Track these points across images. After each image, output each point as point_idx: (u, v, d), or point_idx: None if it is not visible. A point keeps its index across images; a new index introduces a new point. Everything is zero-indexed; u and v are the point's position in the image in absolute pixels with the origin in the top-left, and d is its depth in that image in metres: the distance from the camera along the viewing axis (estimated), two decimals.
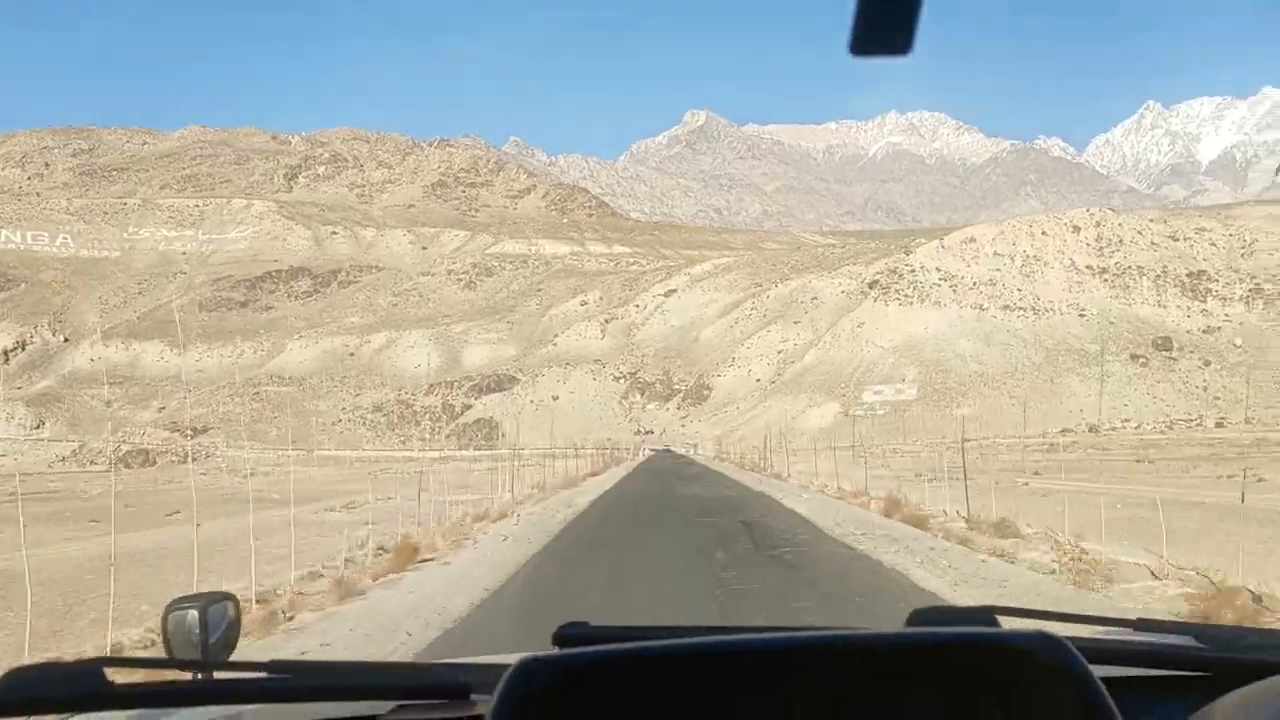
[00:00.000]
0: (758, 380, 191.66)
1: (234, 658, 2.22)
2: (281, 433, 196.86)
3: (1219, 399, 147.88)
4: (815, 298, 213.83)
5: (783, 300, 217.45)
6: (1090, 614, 1.92)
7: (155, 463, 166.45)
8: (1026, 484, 38.37)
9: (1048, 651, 1.20)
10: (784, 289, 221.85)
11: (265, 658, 1.70)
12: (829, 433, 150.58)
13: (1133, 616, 1.99)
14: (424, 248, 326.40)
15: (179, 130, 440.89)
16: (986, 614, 1.57)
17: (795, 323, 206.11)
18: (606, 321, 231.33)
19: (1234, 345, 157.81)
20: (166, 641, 2.13)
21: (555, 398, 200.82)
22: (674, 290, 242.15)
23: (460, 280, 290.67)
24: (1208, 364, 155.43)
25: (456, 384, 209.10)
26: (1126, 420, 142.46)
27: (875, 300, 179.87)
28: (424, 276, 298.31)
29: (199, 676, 1.92)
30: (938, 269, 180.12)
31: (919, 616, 1.62)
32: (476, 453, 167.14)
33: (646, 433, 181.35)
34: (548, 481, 39.27)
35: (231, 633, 2.21)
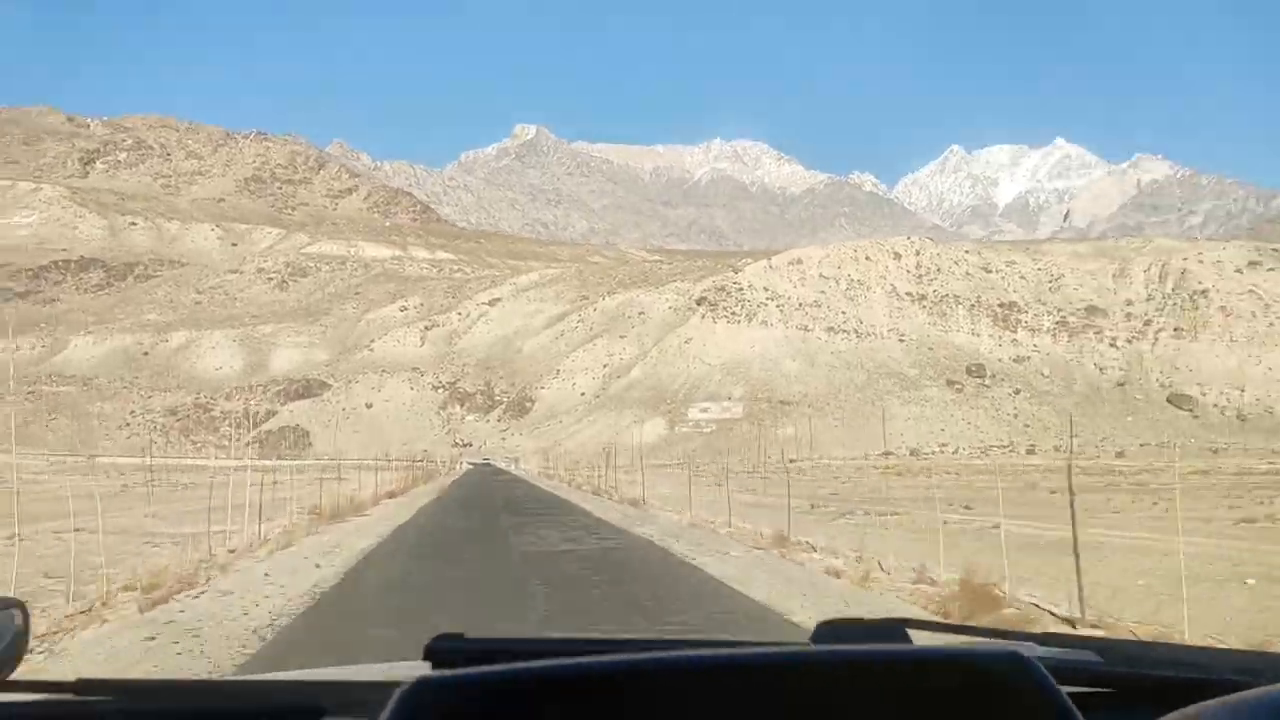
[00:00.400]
0: (582, 394, 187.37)
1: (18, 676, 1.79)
2: (59, 436, 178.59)
3: (1028, 426, 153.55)
4: (643, 313, 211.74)
5: (609, 314, 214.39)
6: (994, 628, 1.87)
7: None
8: (966, 524, 33.47)
9: (1019, 672, 1.12)
10: (611, 302, 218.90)
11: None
12: (656, 449, 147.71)
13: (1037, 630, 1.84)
14: (234, 244, 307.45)
15: None
16: (898, 627, 1.46)
17: (622, 337, 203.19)
18: (427, 328, 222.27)
19: (1041, 374, 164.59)
20: None
21: (369, 406, 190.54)
22: (498, 299, 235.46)
23: (271, 280, 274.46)
24: (1018, 392, 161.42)
25: (262, 388, 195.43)
26: (944, 445, 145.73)
27: (703, 317, 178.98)
28: (232, 274, 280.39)
29: None
30: (765, 288, 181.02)
31: (827, 631, 1.48)
32: (279, 462, 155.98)
33: (465, 445, 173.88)
34: (326, 507, 28.32)
35: (18, 646, 1.87)
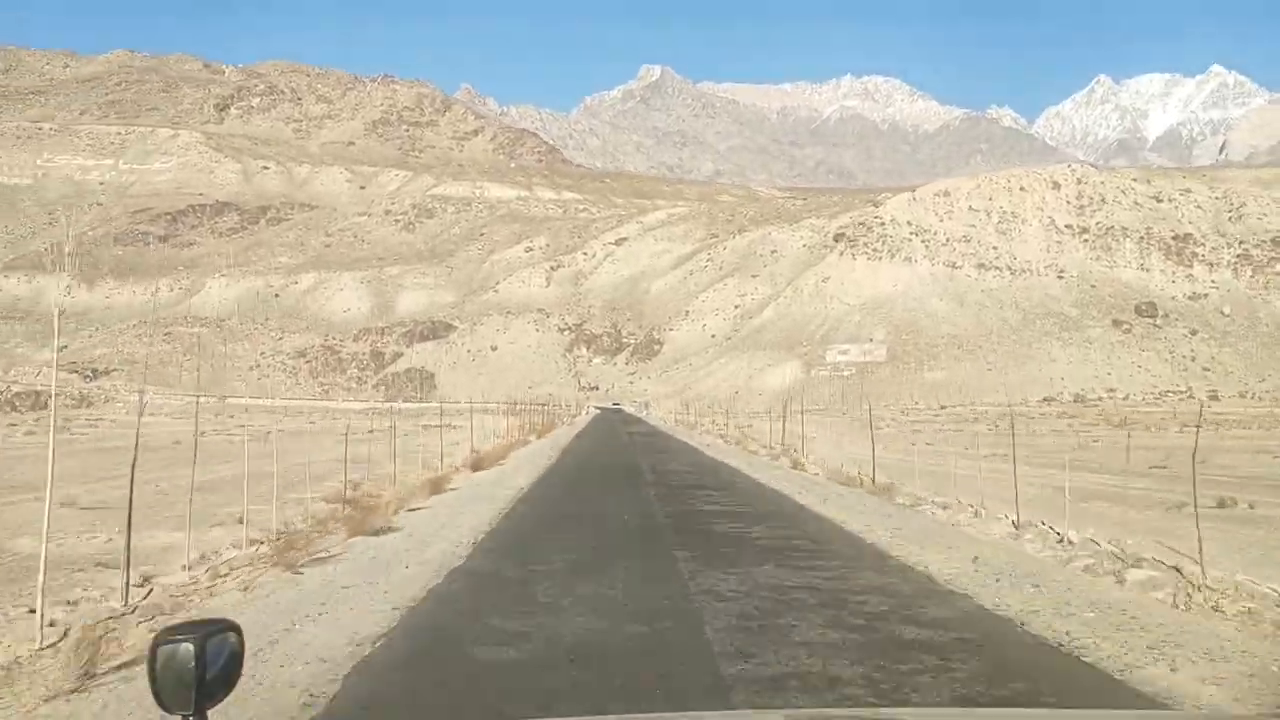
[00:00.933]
0: (712, 336, 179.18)
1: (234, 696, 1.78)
2: (192, 377, 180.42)
3: (1207, 370, 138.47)
4: (775, 251, 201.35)
5: (740, 252, 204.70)
6: None
7: (46, 405, 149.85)
8: None
9: None
10: (742, 241, 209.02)
11: None
12: (790, 393, 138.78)
13: None
14: (362, 187, 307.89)
15: (104, 55, 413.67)
16: None
17: (753, 276, 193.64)
18: (552, 269, 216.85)
19: (1221, 314, 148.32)
20: (153, 681, 1.84)
21: (494, 348, 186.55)
22: (625, 239, 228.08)
23: (398, 222, 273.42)
24: (1194, 332, 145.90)
25: (388, 330, 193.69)
26: (1111, 390, 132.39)
27: (841, 254, 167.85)
28: (360, 217, 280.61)
29: None
30: (909, 223, 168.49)
31: None
32: (404, 405, 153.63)
33: (592, 388, 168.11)
34: (455, 458, 22.72)
35: (234, 667, 1.92)
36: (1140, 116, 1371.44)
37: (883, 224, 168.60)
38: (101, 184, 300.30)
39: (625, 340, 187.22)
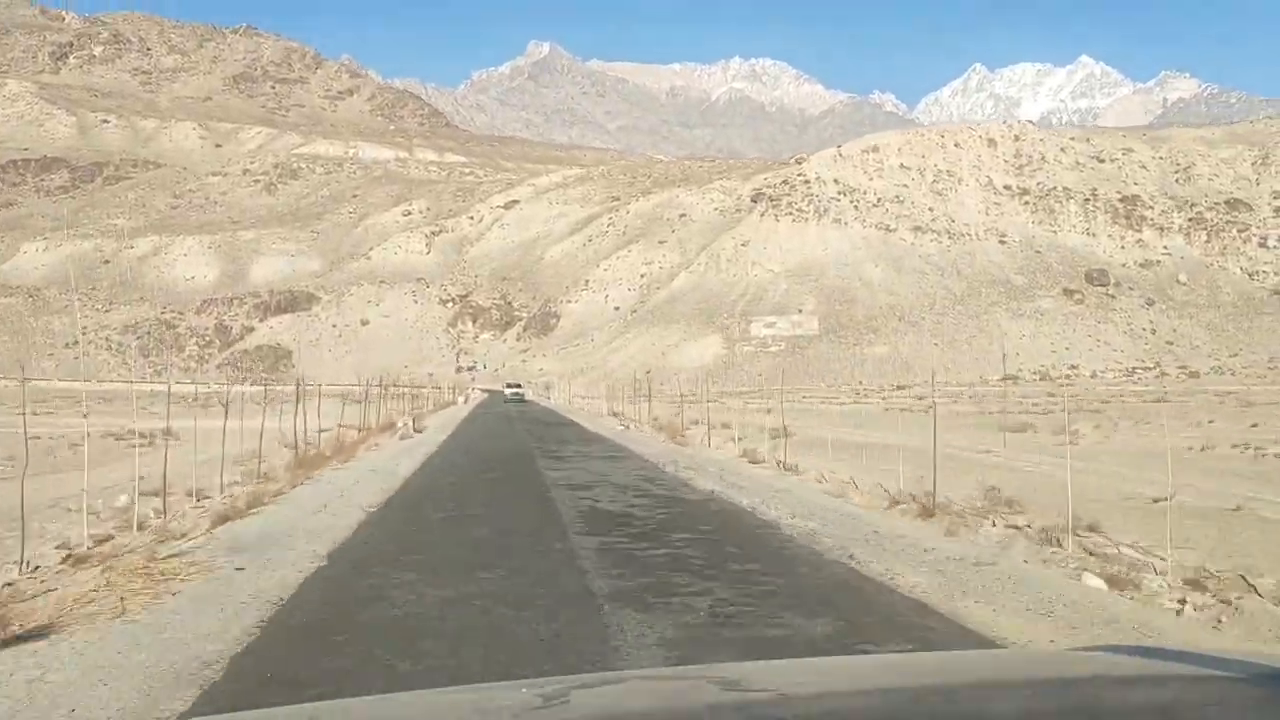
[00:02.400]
0: (616, 308, 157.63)
1: None
2: None
3: (1171, 343, 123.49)
4: (684, 215, 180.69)
5: (645, 217, 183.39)
6: None
7: None
8: None
9: None
10: (646, 204, 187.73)
11: None
12: (712, 371, 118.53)
13: None
14: (217, 145, 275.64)
15: None
16: None
17: (661, 242, 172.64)
18: (433, 234, 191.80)
19: (1179, 282, 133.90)
20: None
21: (365, 322, 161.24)
22: (516, 201, 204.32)
23: (258, 182, 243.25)
24: (1151, 303, 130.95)
25: (238, 302, 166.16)
26: (1074, 366, 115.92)
27: (762, 215, 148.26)
28: (214, 176, 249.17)
29: None
30: (835, 181, 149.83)
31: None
32: (251, 388, 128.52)
33: (469, 368, 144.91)
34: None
35: None
36: (1013, 105, 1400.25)
37: (806, 182, 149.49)
38: None
39: (517, 313, 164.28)
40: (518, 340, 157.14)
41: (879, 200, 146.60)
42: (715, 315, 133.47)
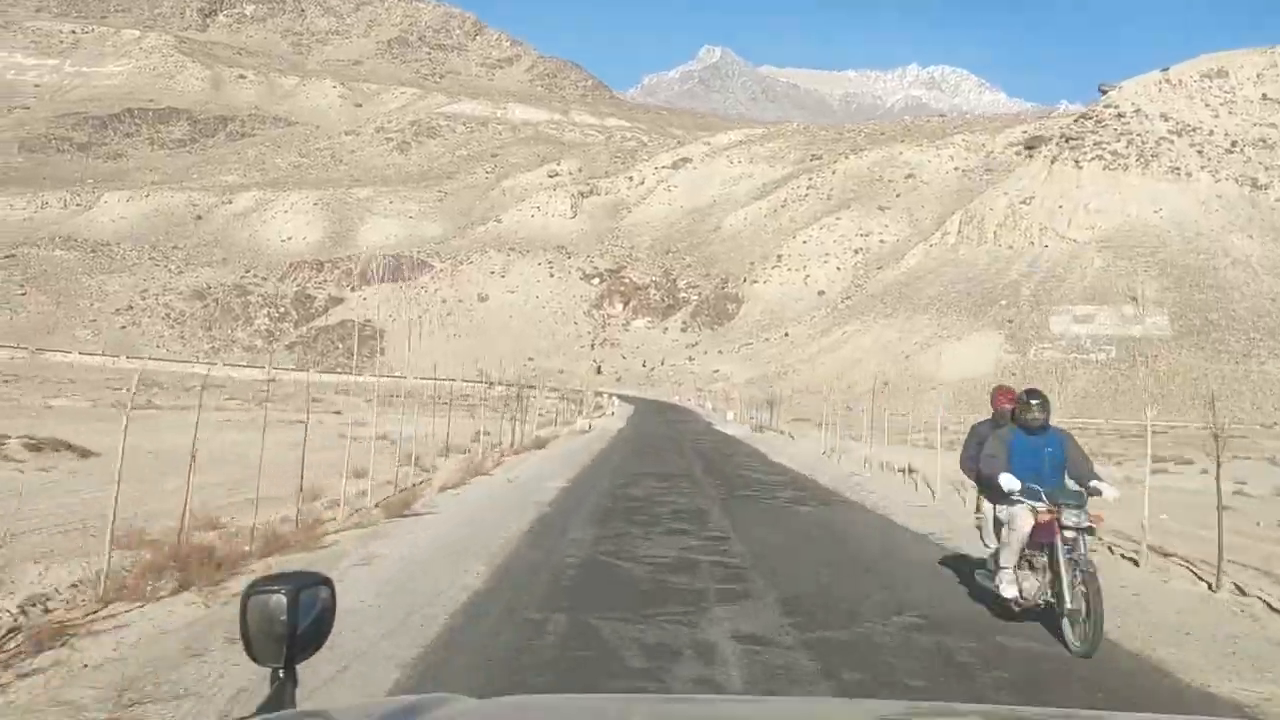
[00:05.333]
0: (821, 292, 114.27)
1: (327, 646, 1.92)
2: (20, 318, 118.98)
3: None
4: (912, 175, 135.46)
5: (858, 178, 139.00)
6: None
7: None
8: None
9: None
10: (858, 163, 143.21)
11: None
12: (989, 382, 72.90)
13: None
14: (358, 104, 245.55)
15: None
16: None
17: (882, 209, 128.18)
18: (582, 195, 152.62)
19: None
20: (245, 632, 1.78)
21: (483, 298, 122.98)
22: (686, 160, 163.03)
23: (390, 140, 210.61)
24: None
25: (332, 266, 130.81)
26: None
27: (1053, 162, 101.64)
28: (347, 135, 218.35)
29: (280, 676, 1.75)
30: (1164, 117, 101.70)
31: None
32: (322, 377, 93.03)
33: (596, 370, 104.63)
34: None
35: (325, 622, 1.86)
36: None
37: (1122, 117, 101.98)
38: (37, 85, 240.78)
39: (683, 295, 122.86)
40: (683, 331, 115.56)
41: (1235, 144, 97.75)
42: (988, 303, 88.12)
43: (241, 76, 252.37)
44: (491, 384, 67.84)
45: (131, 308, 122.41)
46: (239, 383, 74.09)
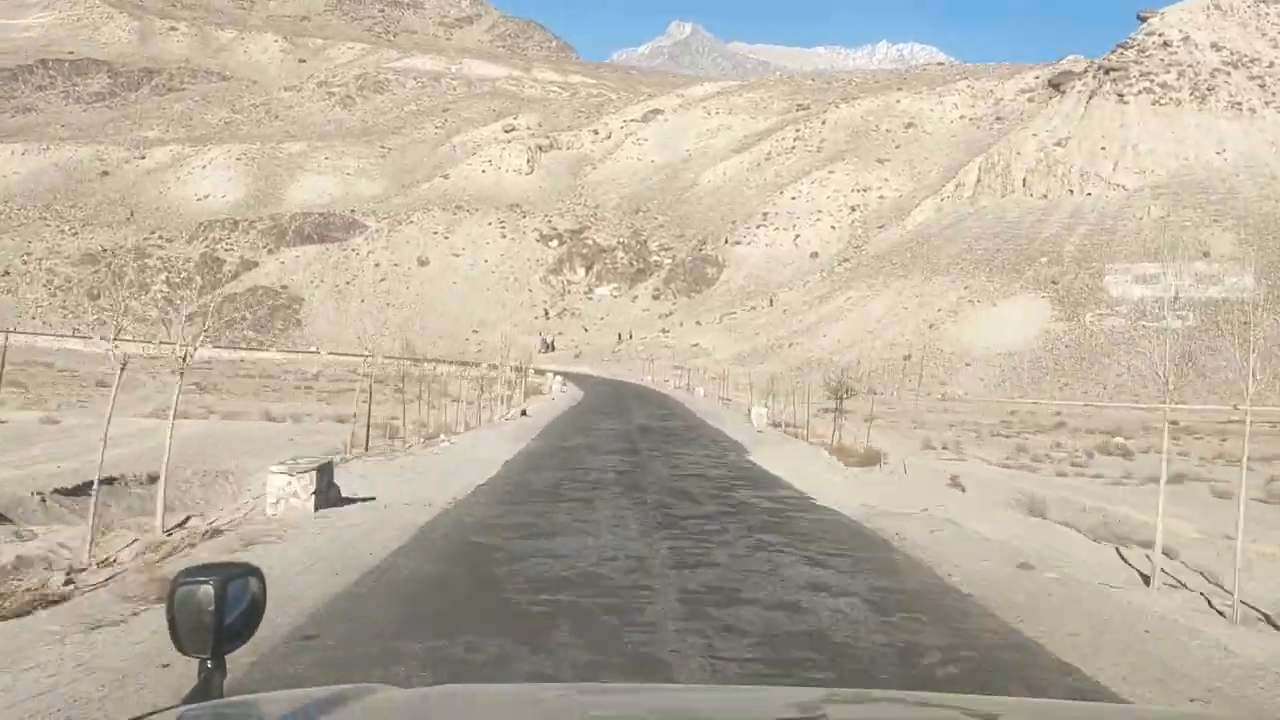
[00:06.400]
0: (814, 254, 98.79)
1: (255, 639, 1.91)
2: None
3: None
4: (912, 124, 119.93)
5: (850, 128, 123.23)
6: None
7: None
8: None
9: None
10: (850, 112, 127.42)
11: None
12: (1037, 357, 58.75)
13: None
14: (301, 60, 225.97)
15: None
16: None
17: (881, 161, 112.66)
18: (540, 149, 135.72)
19: None
20: (171, 623, 1.77)
21: (423, 262, 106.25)
22: (658, 112, 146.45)
23: (333, 95, 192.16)
24: None
25: (248, 226, 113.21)
26: None
27: (1089, 98, 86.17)
28: (287, 90, 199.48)
29: (209, 666, 1.75)
30: (1215, 46, 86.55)
31: None
32: (223, 352, 78.86)
33: (547, 347, 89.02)
34: None
35: (252, 615, 1.85)
36: None
37: (1168, 45, 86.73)
38: None
39: (655, 259, 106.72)
40: (655, 299, 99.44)
41: None
42: (1024, 262, 72.77)
43: (173, 29, 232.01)
44: (416, 361, 52.01)
45: (8, 273, 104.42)
46: (89, 359, 57.72)
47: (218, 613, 1.74)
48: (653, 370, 65.71)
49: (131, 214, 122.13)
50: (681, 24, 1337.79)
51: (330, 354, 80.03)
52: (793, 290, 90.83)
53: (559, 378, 48.69)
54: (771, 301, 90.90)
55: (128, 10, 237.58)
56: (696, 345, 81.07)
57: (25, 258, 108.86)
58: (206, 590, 1.73)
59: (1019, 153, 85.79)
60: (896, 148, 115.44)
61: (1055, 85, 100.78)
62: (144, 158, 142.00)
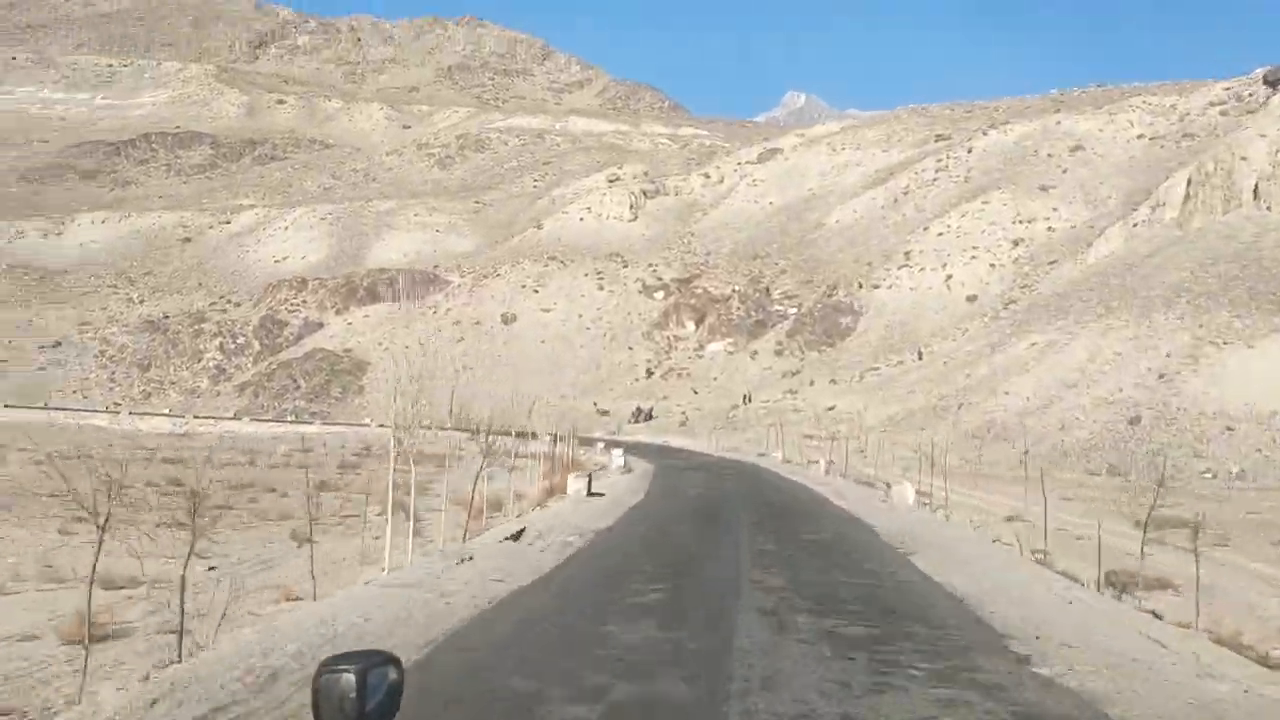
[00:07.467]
0: (973, 296, 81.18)
1: None
2: None
3: None
4: (1079, 147, 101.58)
5: (1002, 155, 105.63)
6: None
7: None
8: None
9: None
10: (1003, 138, 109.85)
11: None
12: None
13: None
14: (405, 126, 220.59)
15: None
16: None
17: (1044, 189, 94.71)
18: (645, 195, 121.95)
19: None
20: (316, 709, 1.82)
21: (509, 319, 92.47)
22: (777, 151, 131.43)
23: (432, 156, 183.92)
24: None
25: (318, 285, 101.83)
26: None
27: None
28: (389, 155, 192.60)
29: None
30: None
31: None
32: (276, 427, 65.54)
33: (643, 415, 73.31)
34: None
35: (394, 700, 1.89)
36: None
37: None
38: (62, 119, 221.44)
39: (777, 309, 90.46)
40: (778, 355, 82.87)
41: None
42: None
43: (280, 101, 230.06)
44: (477, 433, 37.78)
45: (59, 344, 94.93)
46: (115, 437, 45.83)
47: (359, 699, 1.79)
48: (780, 442, 48.91)
49: (202, 282, 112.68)
50: (797, 95, 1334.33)
51: (381, 425, 65.87)
52: (949, 339, 73.36)
53: (618, 451, 33.05)
54: (920, 355, 73.58)
55: (239, 86, 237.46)
56: (833, 408, 64.23)
57: (81, 327, 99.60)
58: (348, 679, 1.80)
59: (1244, 156, 67.21)
60: (1063, 173, 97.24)
61: (1270, 83, 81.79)
62: (228, 222, 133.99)
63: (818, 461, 34.63)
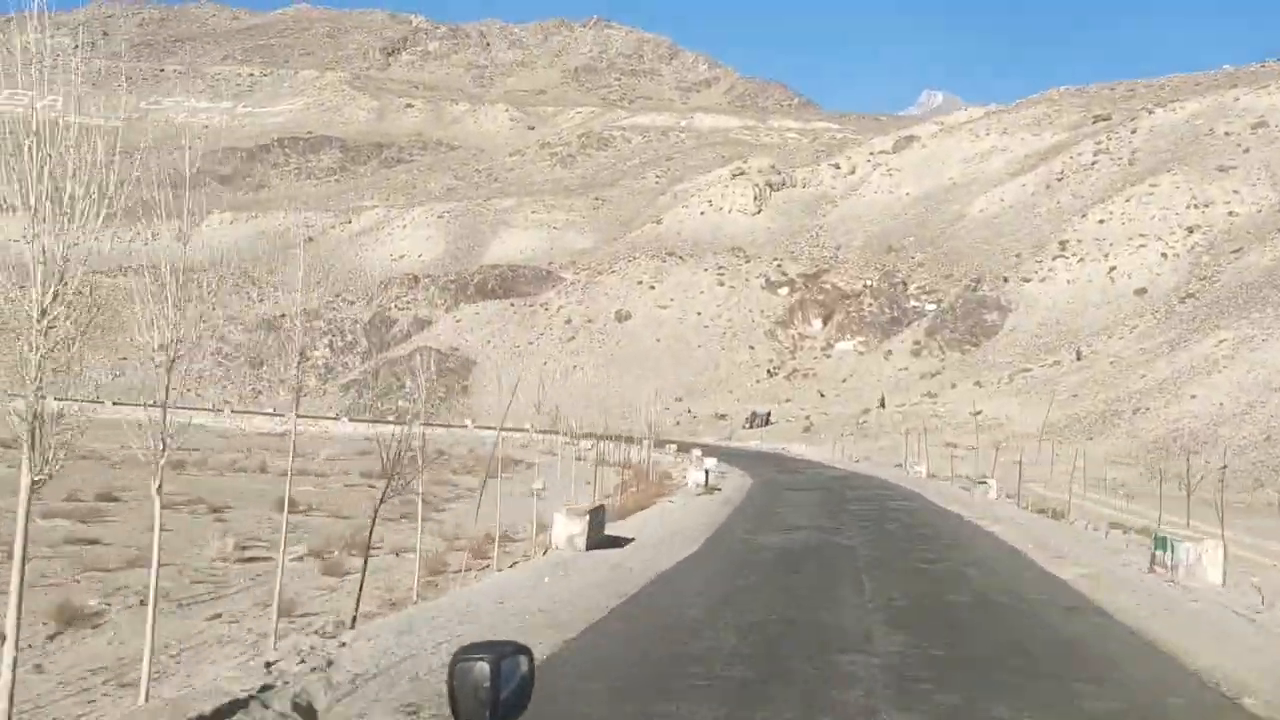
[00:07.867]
0: (1141, 290, 71.93)
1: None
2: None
3: None
4: (1261, 124, 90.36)
5: (1171, 135, 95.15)
6: None
7: None
8: None
9: None
10: (1170, 117, 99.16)
11: None
12: None
13: None
14: (530, 127, 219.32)
15: (279, 10, 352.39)
16: None
17: (1222, 169, 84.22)
18: (770, 187, 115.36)
19: None
20: (452, 697, 1.90)
21: (623, 316, 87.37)
22: (913, 138, 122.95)
23: (555, 155, 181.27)
24: None
25: (429, 282, 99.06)
26: None
27: None
28: (512, 156, 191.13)
29: None
30: None
31: None
32: (369, 427, 60.20)
33: (757, 419, 66.53)
34: None
35: (525, 691, 1.96)
36: None
37: None
38: (205, 127, 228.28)
39: (914, 305, 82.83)
40: (915, 355, 75.32)
41: None
42: None
43: (409, 106, 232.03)
44: (574, 438, 33.86)
45: (176, 342, 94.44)
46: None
47: (494, 688, 1.85)
48: (923, 451, 41.72)
49: (320, 280, 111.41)
50: (933, 93, 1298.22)
51: (480, 427, 62.25)
52: (1117, 337, 64.62)
53: (711, 462, 27.27)
54: (1079, 354, 65.11)
55: (369, 92, 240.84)
56: (979, 413, 56.61)
57: (201, 324, 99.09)
58: (483, 667, 1.86)
59: None
60: (1245, 152, 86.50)
61: None
62: (350, 221, 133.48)
63: (985, 481, 27.21)
